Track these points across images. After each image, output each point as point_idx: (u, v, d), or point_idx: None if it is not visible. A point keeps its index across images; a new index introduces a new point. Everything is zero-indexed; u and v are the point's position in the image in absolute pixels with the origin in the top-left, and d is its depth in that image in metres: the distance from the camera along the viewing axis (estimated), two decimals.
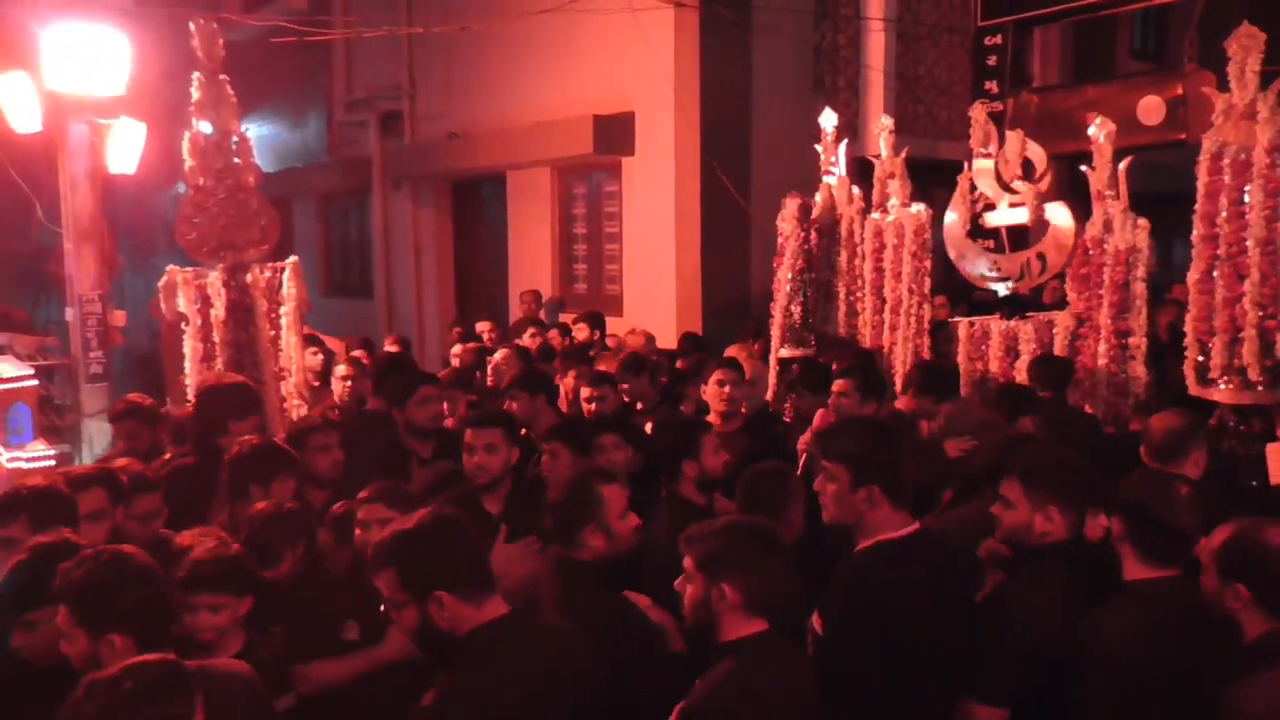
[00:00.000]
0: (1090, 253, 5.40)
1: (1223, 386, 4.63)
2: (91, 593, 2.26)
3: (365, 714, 2.86)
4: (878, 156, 6.63)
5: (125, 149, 6.67)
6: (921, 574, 2.61)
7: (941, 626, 2.58)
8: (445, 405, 5.06)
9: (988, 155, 5.90)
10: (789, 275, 6.85)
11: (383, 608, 2.29)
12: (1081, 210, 5.54)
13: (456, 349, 7.24)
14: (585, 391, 5.05)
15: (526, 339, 7.68)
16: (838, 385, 4.70)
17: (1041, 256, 5.69)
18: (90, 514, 3.10)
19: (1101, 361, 5.31)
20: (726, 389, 4.80)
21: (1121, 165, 5.27)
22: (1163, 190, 6.38)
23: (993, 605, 2.76)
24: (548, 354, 6.96)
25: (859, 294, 6.67)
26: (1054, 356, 5.42)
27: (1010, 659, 2.59)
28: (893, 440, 2.76)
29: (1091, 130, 5.36)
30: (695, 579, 2.36)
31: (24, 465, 5.05)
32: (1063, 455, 2.88)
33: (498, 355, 6.22)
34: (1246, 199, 4.55)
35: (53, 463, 5.31)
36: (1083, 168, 5.44)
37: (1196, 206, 4.92)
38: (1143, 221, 5.21)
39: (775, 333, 6.87)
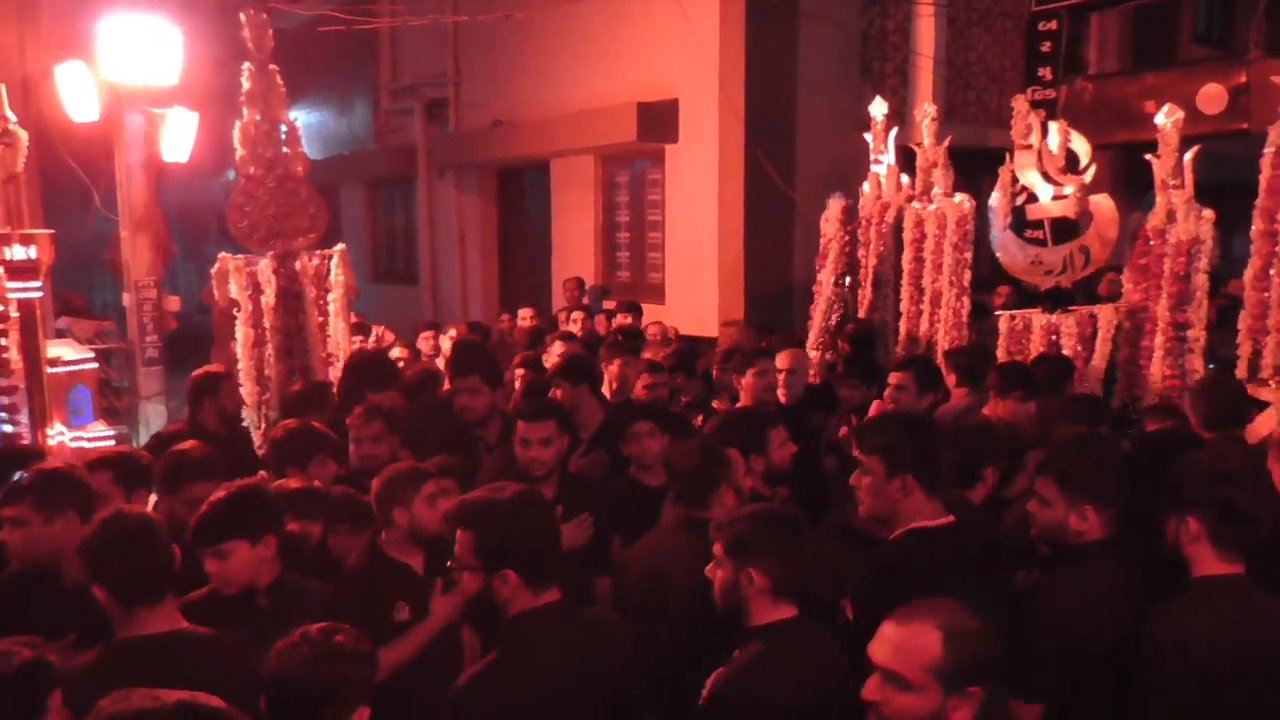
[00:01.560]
0: (1151, 243, 5.27)
1: (1273, 385, 4.57)
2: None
3: (427, 681, 2.95)
4: (920, 145, 6.56)
5: (178, 138, 6.80)
6: (952, 563, 2.62)
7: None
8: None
9: (1029, 147, 5.81)
10: (832, 279, 6.82)
11: (449, 563, 2.37)
12: (1132, 203, 5.44)
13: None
14: (645, 379, 5.13)
15: (571, 324, 7.75)
16: (895, 378, 4.70)
17: (1085, 250, 5.60)
18: (98, 494, 3.24)
19: (1158, 355, 5.20)
20: (768, 378, 4.85)
21: (1188, 155, 5.14)
22: (1227, 180, 6.22)
23: (1028, 602, 2.76)
24: (594, 342, 6.99)
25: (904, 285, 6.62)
26: (1054, 355, 5.35)
27: (1046, 656, 2.59)
28: (927, 432, 2.82)
29: (1159, 119, 5.22)
30: (725, 564, 2.42)
31: (86, 445, 5.19)
32: (1101, 454, 2.86)
33: (556, 347, 6.24)
34: None
35: (112, 442, 5.46)
36: (1147, 156, 5.32)
37: (1257, 201, 4.82)
38: (1207, 212, 5.07)
39: (813, 335, 6.84)
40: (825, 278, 6.91)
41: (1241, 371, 4.90)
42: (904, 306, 6.56)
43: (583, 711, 2.30)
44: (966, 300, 6.21)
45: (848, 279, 6.90)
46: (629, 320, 7.93)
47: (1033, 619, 2.66)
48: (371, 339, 7.67)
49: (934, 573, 2.58)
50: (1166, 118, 5.20)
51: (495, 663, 2.28)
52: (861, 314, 6.87)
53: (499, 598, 2.29)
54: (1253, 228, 4.82)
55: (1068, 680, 2.59)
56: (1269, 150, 4.74)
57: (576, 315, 8.23)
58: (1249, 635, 2.43)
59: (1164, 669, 2.45)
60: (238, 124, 5.71)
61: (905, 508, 2.68)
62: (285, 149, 5.84)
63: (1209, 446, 3.53)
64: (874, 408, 4.67)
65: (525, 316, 8.51)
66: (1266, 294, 4.80)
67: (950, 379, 5.26)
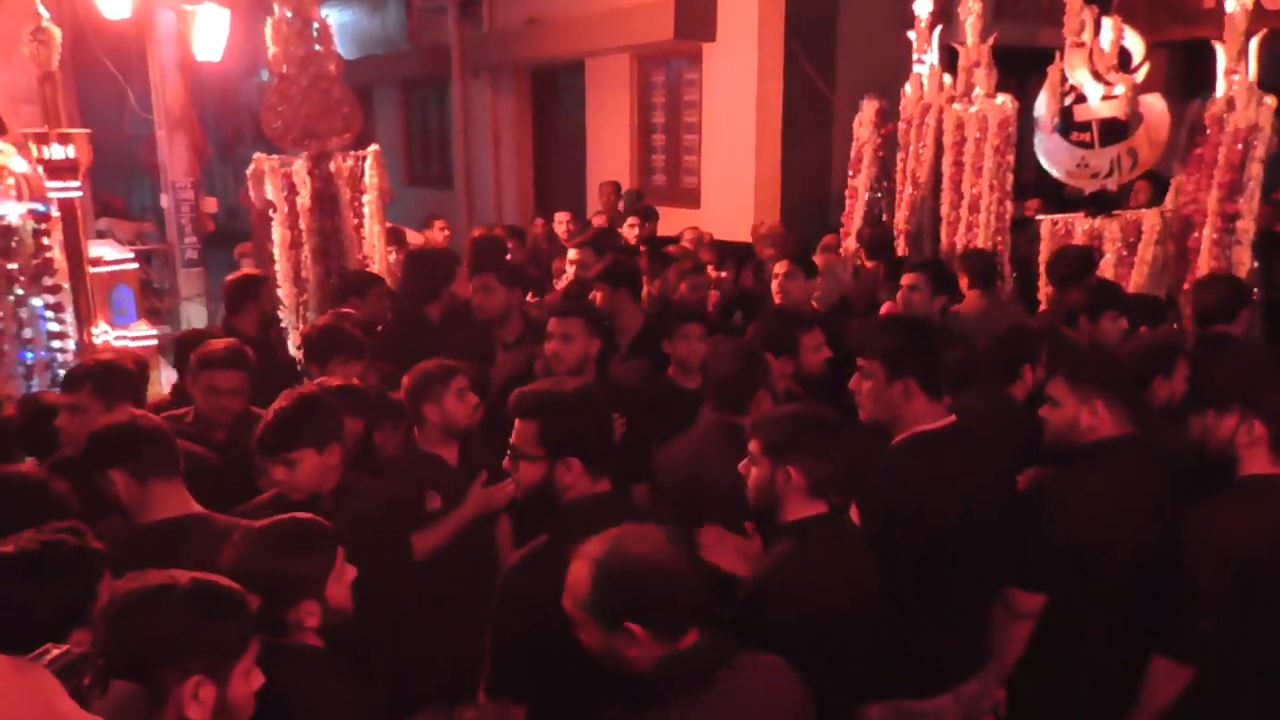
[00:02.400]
0: (1208, 131, 5.09)
1: None
2: (95, 439, 2.62)
3: (458, 567, 3.09)
4: (963, 43, 6.34)
5: (210, 36, 6.74)
6: (957, 464, 2.63)
7: (977, 517, 2.61)
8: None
9: (1082, 44, 5.59)
10: (867, 184, 6.68)
11: (508, 454, 2.41)
12: (1187, 105, 5.24)
13: None
14: (690, 280, 5.21)
15: (626, 229, 7.69)
16: (908, 279, 4.69)
17: (1133, 152, 5.43)
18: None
19: (1205, 245, 5.07)
20: (777, 281, 4.84)
21: (1255, 39, 4.93)
22: None
23: (1037, 498, 2.81)
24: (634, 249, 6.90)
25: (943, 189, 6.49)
26: (1074, 246, 5.27)
27: (1047, 549, 2.67)
28: (927, 335, 2.79)
29: (1229, 4, 5.01)
30: (761, 462, 2.44)
31: (130, 344, 5.29)
32: (1110, 353, 2.86)
33: (572, 253, 6.19)
34: None
35: (155, 342, 5.56)
36: (1213, 42, 5.12)
37: None
38: (1269, 99, 4.88)
39: (850, 243, 6.74)
40: (860, 182, 6.79)
41: None
42: (943, 211, 6.44)
43: None
44: (1009, 204, 6.08)
45: (884, 183, 6.78)
46: (637, 228, 7.79)
47: (1038, 513, 2.72)
48: (433, 235, 7.67)
49: (940, 472, 2.60)
50: (1236, 2, 4.97)
51: (550, 544, 2.31)
52: (900, 219, 6.77)
53: (560, 485, 2.34)
54: None
55: (1073, 575, 2.66)
56: None
57: (633, 221, 8.04)
58: None
59: (1204, 568, 2.48)
60: (269, 20, 5.66)
61: (907, 412, 2.66)
62: (318, 46, 5.79)
63: (1198, 339, 3.57)
64: (885, 309, 4.64)
65: (561, 221, 8.46)
66: None
67: (963, 281, 5.26)
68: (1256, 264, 5.03)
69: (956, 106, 6.28)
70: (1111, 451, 2.71)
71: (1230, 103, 4.99)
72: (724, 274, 6.27)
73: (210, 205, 7.34)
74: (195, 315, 7.17)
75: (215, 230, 7.72)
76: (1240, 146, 4.92)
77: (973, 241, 6.19)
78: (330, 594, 2.11)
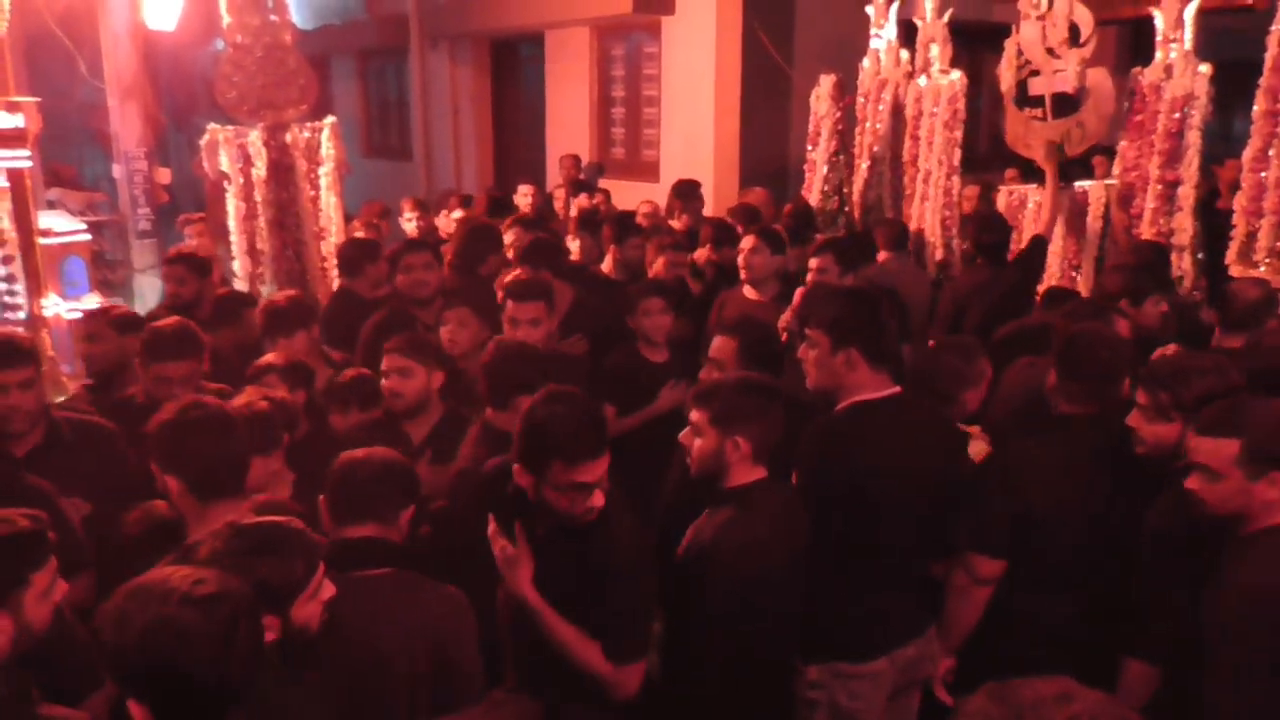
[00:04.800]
0: (1147, 98, 5.22)
1: (1263, 269, 4.60)
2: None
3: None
4: (921, 18, 6.41)
5: (163, 3, 6.62)
6: (896, 433, 2.68)
7: (916, 485, 2.67)
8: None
9: (1038, 19, 5.69)
10: (826, 158, 6.74)
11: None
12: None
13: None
14: (669, 256, 5.14)
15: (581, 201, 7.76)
16: (814, 262, 4.63)
17: (1081, 125, 5.56)
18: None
19: (1148, 213, 5.20)
20: (743, 256, 4.77)
21: (1191, 6, 5.04)
22: (1230, 57, 6.12)
23: (992, 464, 2.89)
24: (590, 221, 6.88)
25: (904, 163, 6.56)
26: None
27: (1000, 514, 2.73)
28: (872, 306, 2.82)
29: None
30: (708, 433, 2.49)
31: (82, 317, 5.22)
32: (1104, 337, 2.92)
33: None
34: None
35: None
36: (1151, 9, 5.24)
37: (1261, 79, 4.74)
38: (1204, 68, 5.00)
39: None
40: (819, 156, 6.85)
41: (1233, 254, 4.91)
42: (901, 186, 6.51)
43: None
44: (957, 180, 6.14)
45: (840, 157, 6.85)
46: (585, 200, 7.82)
47: (993, 480, 2.80)
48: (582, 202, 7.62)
49: (878, 440, 2.65)
50: None
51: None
52: (856, 193, 6.84)
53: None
54: (1255, 107, 4.75)
55: (1026, 542, 2.72)
56: (1277, 27, 4.63)
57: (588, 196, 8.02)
58: None
59: (1164, 564, 2.53)
60: None
61: (850, 381, 2.70)
62: (273, 16, 5.72)
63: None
64: (797, 295, 4.36)
65: (526, 193, 8.44)
66: (1264, 175, 4.75)
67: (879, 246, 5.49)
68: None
69: (922, 81, 6.32)
70: (1067, 429, 2.81)
71: (1168, 70, 5.10)
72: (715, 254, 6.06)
73: (164, 176, 7.23)
74: (149, 288, 7.08)
75: (170, 201, 7.61)
76: (1178, 115, 5.03)
77: (923, 215, 6.28)
78: (297, 612, 1.87)
